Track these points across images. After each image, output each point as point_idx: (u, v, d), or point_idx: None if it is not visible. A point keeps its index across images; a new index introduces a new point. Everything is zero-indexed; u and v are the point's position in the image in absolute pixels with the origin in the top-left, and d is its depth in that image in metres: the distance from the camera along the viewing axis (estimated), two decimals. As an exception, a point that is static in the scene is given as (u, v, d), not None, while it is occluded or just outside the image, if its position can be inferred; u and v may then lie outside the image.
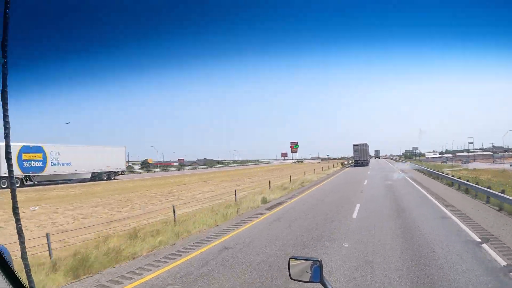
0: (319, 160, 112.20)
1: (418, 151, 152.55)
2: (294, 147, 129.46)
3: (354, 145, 62.77)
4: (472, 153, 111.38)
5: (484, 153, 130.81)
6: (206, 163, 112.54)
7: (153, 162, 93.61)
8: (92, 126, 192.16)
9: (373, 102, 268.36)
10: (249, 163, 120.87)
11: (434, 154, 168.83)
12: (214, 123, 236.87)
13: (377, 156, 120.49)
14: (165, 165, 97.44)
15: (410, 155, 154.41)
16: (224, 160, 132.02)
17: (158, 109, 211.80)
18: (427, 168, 37.14)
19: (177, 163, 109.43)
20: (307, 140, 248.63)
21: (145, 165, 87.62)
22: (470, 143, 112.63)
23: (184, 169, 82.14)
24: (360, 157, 61.08)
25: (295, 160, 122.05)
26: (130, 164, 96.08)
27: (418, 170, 39.32)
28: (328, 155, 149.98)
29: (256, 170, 60.80)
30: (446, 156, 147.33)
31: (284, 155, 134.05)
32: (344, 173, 41.78)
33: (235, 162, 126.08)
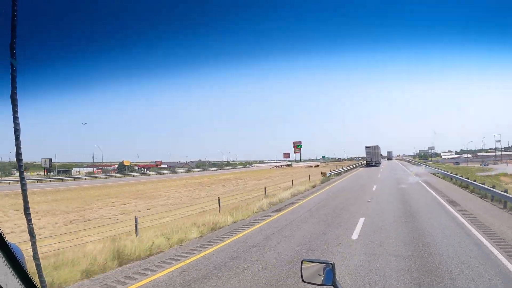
0: (318, 163, 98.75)
1: (433, 151, 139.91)
2: (297, 147, 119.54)
3: (366, 147, 65.33)
4: (499, 153, 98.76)
5: (510, 153, 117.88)
6: (198, 164, 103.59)
7: (131, 164, 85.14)
8: (92, 126, 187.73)
9: (386, 102, 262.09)
10: (239, 166, 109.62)
11: (450, 154, 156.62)
12: (214, 124, 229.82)
13: (389, 157, 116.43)
14: (145, 168, 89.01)
15: (425, 156, 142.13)
16: (217, 162, 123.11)
17: (157, 110, 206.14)
18: (453, 174, 27.01)
19: (165, 166, 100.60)
20: (317, 140, 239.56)
21: (121, 168, 78.05)
22: (497, 141, 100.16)
23: (150, 174, 69.23)
24: (372, 158, 63.62)
25: (285, 163, 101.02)
26: (112, 167, 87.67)
27: (443, 178, 28.91)
28: (323, 157, 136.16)
29: (188, 181, 39.60)
30: (465, 156, 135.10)
31: (286, 155, 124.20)
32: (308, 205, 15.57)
33: (228, 164, 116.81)
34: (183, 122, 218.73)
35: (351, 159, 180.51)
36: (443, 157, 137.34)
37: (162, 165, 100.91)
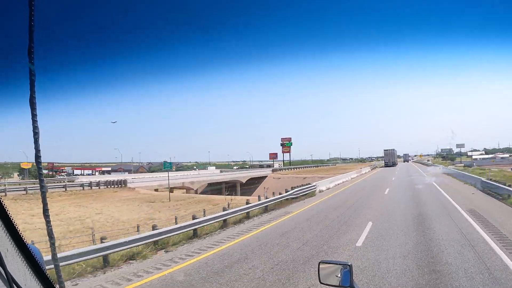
0: (272, 172, 57.98)
1: (459, 150, 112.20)
2: (286, 145, 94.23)
3: (385, 150, 77.08)
4: None
5: None
6: (153, 169, 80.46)
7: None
8: (87, 126, 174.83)
9: (403, 101, 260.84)
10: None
11: (481, 154, 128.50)
12: (209, 124, 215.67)
13: (405, 159, 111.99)
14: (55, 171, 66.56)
15: (451, 156, 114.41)
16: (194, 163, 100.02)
17: (144, 112, 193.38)
18: None
19: (88, 168, 77.49)
20: (327, 140, 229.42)
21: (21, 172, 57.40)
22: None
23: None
24: (390, 159, 73.34)
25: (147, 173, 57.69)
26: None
27: None
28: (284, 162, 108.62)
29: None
30: (502, 156, 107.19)
31: (273, 156, 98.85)
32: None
33: (196, 164, 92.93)
34: (175, 123, 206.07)
35: (362, 161, 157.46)
36: (473, 157, 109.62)
37: (104, 168, 77.84)
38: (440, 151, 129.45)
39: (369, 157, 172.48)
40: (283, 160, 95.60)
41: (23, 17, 1.09)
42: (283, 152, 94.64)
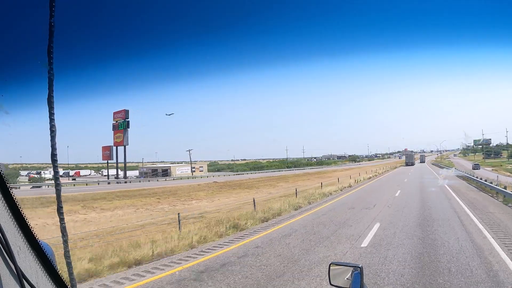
0: None
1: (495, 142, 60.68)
2: (119, 127, 47.57)
3: (405, 152, 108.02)
4: None
5: None
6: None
7: None
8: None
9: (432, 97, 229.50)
10: None
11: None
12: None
13: (422, 160, 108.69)
14: None
15: (498, 151, 60.07)
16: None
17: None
18: None
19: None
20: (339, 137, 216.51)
21: None
22: None
23: None
24: (409, 160, 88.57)
25: None
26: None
27: None
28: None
29: None
30: None
31: (106, 153, 51.37)
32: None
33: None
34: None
35: (354, 159, 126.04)
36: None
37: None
38: (472, 144, 79.84)
39: (375, 154, 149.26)
40: (117, 162, 47.91)
41: (44, 17, 1.06)
42: (115, 144, 47.25)
